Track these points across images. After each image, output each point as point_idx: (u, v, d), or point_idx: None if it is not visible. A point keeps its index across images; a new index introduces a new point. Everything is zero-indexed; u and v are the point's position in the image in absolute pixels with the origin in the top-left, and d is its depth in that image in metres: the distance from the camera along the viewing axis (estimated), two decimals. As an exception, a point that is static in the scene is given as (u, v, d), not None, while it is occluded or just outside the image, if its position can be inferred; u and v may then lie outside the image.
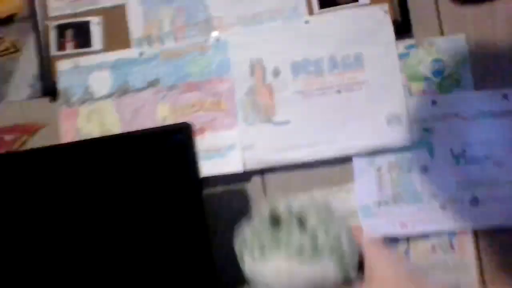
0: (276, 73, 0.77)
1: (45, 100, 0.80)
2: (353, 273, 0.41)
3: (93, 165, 0.61)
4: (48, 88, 0.79)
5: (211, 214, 0.77)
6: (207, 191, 0.78)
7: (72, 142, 0.67)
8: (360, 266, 0.42)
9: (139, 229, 0.61)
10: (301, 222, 0.42)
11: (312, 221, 0.42)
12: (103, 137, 0.65)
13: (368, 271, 0.41)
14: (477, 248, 0.76)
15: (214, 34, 0.78)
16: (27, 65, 0.80)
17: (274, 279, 0.40)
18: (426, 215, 0.76)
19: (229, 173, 0.77)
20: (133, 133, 0.65)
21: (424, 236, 0.76)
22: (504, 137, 0.76)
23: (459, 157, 0.77)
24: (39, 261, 0.61)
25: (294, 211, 0.43)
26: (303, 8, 0.77)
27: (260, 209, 0.44)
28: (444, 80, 0.77)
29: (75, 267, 0.61)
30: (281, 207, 0.44)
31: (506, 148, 0.76)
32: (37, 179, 0.62)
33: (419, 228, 0.76)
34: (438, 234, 0.76)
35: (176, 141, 0.60)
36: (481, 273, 0.76)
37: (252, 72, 0.77)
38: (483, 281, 0.75)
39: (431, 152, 0.77)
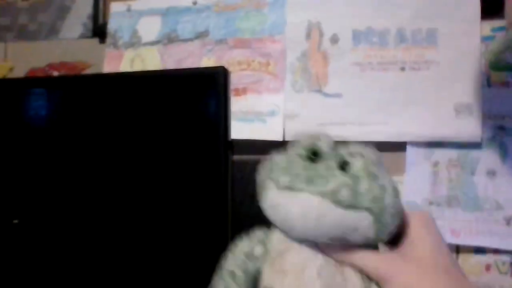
0: (334, 40, 0.69)
1: (95, 41, 0.79)
2: (387, 236, 0.34)
3: (120, 99, 0.59)
4: (99, 28, 0.78)
5: (241, 181, 0.72)
6: (240, 157, 0.72)
7: (98, 74, 0.65)
8: (398, 236, 0.35)
9: (157, 167, 0.57)
10: (344, 165, 0.34)
11: (357, 166, 0.34)
12: (130, 72, 0.62)
13: (408, 245, 0.34)
14: (543, 277, 0.64)
15: (273, -9, 0.72)
16: (83, 3, 0.80)
17: (300, 215, 0.34)
18: (486, 227, 0.65)
19: (267, 141, 0.70)
20: (163, 71, 0.61)
21: (479, 250, 0.65)
22: None
23: (537, 166, 0.64)
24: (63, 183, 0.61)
25: (338, 151, 0.36)
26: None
27: (299, 140, 0.37)
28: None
29: (92, 188, 0.60)
30: (324, 144, 0.36)
31: None
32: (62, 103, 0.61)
33: (474, 240, 0.65)
34: (496, 251, 0.65)
35: (209, 84, 0.55)
36: (543, 307, 0.63)
37: (308, 36, 0.70)
38: (544, 317, 0.63)
39: (503, 154, 0.65)
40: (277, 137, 0.69)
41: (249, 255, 0.36)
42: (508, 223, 0.65)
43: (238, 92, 0.71)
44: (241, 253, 0.37)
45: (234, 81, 0.70)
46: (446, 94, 0.66)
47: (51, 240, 0.61)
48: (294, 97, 0.70)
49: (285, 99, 0.70)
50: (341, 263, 0.34)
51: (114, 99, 0.59)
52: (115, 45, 0.76)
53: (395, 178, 0.68)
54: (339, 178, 0.33)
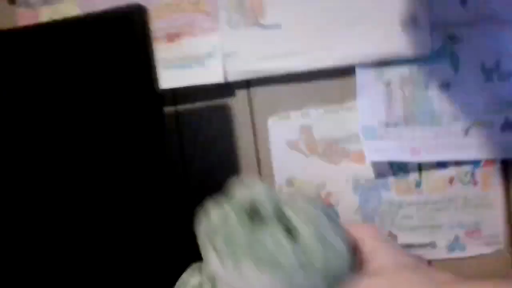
0: (266, -36, 0.64)
1: (3, 3, 0.71)
2: (345, 275, 0.33)
3: (34, 51, 0.52)
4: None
5: (189, 133, 0.69)
6: (183, 107, 0.68)
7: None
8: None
9: (84, 130, 0.52)
10: (287, 228, 0.33)
11: (305, 234, 0.32)
12: (41, 23, 0.55)
13: (366, 264, 0.34)
14: (505, 182, 0.63)
15: None
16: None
17: None
18: (445, 140, 0.63)
19: (209, 85, 0.66)
20: (72, 18, 0.54)
21: (441, 165, 0.64)
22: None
23: (491, 72, 0.62)
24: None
25: (278, 211, 0.34)
26: None
27: (236, 194, 0.35)
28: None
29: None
30: (263, 200, 0.34)
31: (553, 59, 0.61)
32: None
33: (434, 156, 0.64)
34: (458, 164, 0.64)
35: (126, 26, 0.49)
36: (508, 211, 0.64)
37: (237, -36, 0.64)
38: (509, 220, 0.64)
39: (455, 65, 0.63)
40: (218, 79, 0.65)
41: (186, 284, 0.36)
42: (466, 133, 0.63)
43: (171, 38, 0.65)
44: (180, 282, 0.36)
45: (165, 26, 0.65)
46: (390, 8, 0.62)
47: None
48: (231, 34, 0.65)
49: (222, 37, 0.65)
50: None
51: (24, 55, 0.53)
52: (27, 3, 0.69)
53: (348, 104, 0.66)
54: (290, 255, 0.31)
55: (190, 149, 0.68)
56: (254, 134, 0.68)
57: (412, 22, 0.62)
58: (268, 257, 0.31)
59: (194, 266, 0.37)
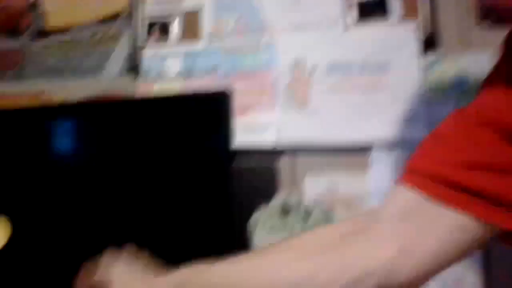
0: (314, 70, 0.92)
1: (130, 77, 1.02)
2: None
3: (130, 123, 0.79)
4: (133, 68, 1.01)
5: (242, 186, 0.91)
6: (241, 164, 0.92)
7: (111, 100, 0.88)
8: None
9: (165, 185, 0.75)
10: (308, 214, 0.58)
11: (316, 214, 0.58)
12: (141, 98, 0.83)
13: None
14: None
15: (266, 37, 0.96)
16: (121, 50, 1.03)
17: None
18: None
19: (263, 149, 0.91)
20: (172, 96, 0.82)
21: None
22: None
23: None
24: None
25: (302, 204, 0.59)
26: (342, 20, 0.92)
27: (274, 199, 0.61)
28: (466, 93, 0.86)
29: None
30: (293, 200, 0.60)
31: None
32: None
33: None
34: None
35: (215, 106, 0.75)
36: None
37: (294, 69, 0.93)
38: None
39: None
40: (271, 145, 0.91)
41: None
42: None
43: (242, 111, 0.92)
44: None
45: (240, 103, 0.92)
46: (398, 107, 0.86)
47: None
48: (284, 114, 0.91)
49: (277, 115, 0.92)
50: None
51: (132, 122, 0.79)
52: (146, 79, 0.99)
53: (364, 172, 0.88)
54: (302, 226, 0.58)
55: (244, 200, 0.90)
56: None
57: (413, 117, 0.86)
58: (289, 229, 0.57)
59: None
